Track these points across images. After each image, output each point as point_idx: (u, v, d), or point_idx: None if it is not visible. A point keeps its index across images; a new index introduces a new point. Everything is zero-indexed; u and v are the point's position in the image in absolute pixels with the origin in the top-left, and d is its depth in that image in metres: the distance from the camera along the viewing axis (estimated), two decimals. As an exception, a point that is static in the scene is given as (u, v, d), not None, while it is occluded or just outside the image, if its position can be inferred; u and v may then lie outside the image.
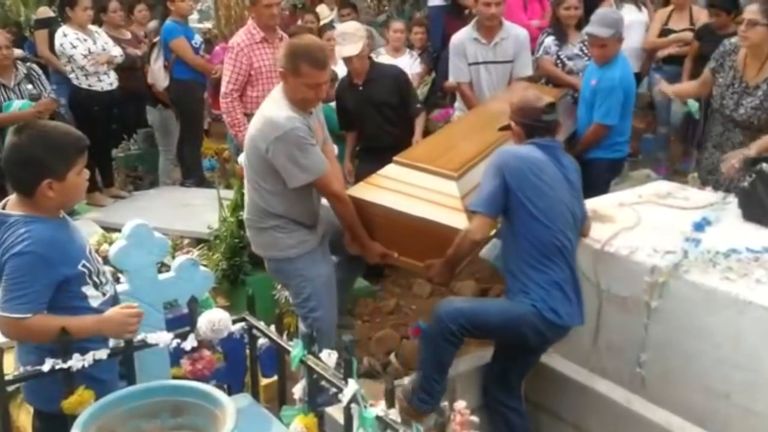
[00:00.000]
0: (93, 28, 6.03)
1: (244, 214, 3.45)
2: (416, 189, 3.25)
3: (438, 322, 2.85)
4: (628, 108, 4.50)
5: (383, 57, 6.16)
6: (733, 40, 4.15)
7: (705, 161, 4.36)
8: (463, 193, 3.19)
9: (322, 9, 7.52)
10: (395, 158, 3.45)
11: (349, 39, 4.45)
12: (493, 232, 3.11)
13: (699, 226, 3.22)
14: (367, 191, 3.34)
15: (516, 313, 2.86)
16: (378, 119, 4.62)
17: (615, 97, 4.33)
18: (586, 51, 5.00)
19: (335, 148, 3.71)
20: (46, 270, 2.22)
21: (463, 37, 4.90)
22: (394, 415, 1.82)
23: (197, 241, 4.57)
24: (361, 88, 4.59)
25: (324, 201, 3.45)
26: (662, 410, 2.94)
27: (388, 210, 3.22)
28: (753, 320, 2.73)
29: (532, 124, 3.02)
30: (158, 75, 6.28)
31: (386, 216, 3.24)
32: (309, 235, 3.34)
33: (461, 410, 1.65)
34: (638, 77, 6.29)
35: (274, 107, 3.18)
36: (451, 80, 5.09)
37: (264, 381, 3.10)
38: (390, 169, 3.40)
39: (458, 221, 3.05)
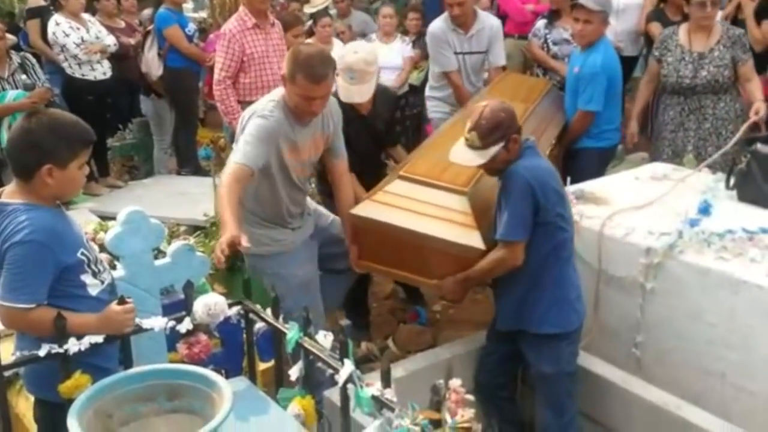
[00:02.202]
0: (86, 16, 6.01)
1: None
2: (425, 206, 3.11)
3: None
4: (615, 95, 4.45)
5: (375, 43, 6.16)
6: (666, 31, 4.62)
7: (666, 148, 4.51)
8: (473, 208, 3.07)
9: None
10: (401, 173, 3.28)
11: (359, 78, 3.51)
12: None
13: (704, 210, 3.22)
14: (374, 210, 3.16)
15: (565, 360, 2.91)
16: (375, 148, 4.00)
17: (598, 83, 4.28)
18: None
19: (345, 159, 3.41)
20: (47, 259, 2.22)
21: (442, 26, 4.78)
22: (389, 394, 1.83)
23: (194, 229, 4.58)
24: (366, 119, 3.79)
25: (334, 218, 3.41)
26: (658, 389, 2.95)
27: (397, 229, 3.07)
28: (747, 299, 2.75)
29: (520, 127, 2.87)
30: (152, 63, 6.26)
31: (394, 235, 3.09)
32: (283, 235, 3.21)
33: (456, 388, 1.66)
34: (635, 60, 6.28)
35: (266, 99, 3.12)
36: (437, 70, 4.91)
37: (262, 365, 3.10)
38: (396, 186, 3.23)
39: (470, 238, 2.97)
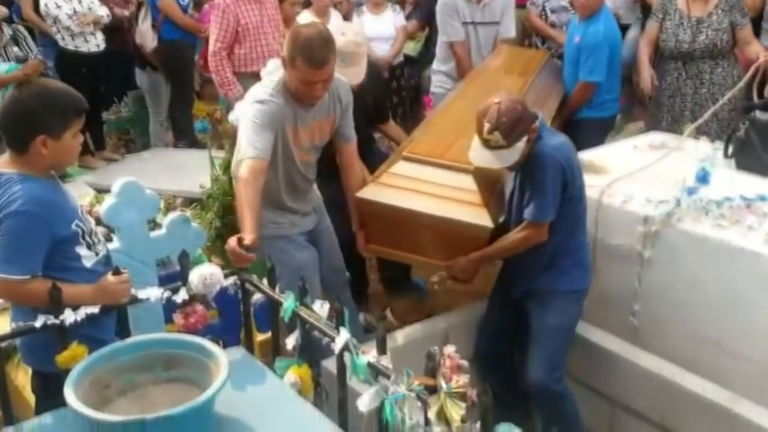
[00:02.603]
0: (78, -13, 5.93)
1: None
2: (432, 186, 3.06)
3: (541, 395, 2.95)
4: (615, 64, 4.42)
5: (365, 15, 6.08)
6: None
7: (666, 114, 4.51)
8: (479, 186, 3.04)
9: None
10: (405, 154, 3.21)
11: (351, 60, 3.42)
12: None
13: (702, 178, 3.21)
14: (380, 193, 3.10)
15: (572, 316, 2.99)
16: (365, 125, 3.80)
17: (600, 52, 4.25)
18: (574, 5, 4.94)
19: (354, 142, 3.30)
20: (42, 230, 2.22)
21: None
22: (385, 361, 1.83)
23: (190, 201, 4.56)
24: (355, 95, 3.59)
25: (333, 242, 3.32)
26: (654, 357, 2.97)
27: (404, 211, 3.01)
28: (744, 267, 2.74)
29: (535, 117, 2.81)
30: (146, 35, 6.19)
31: (402, 217, 3.03)
32: (283, 218, 3.13)
33: (451, 354, 1.66)
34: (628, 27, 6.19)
35: (265, 82, 3.02)
36: (443, 39, 4.87)
37: (260, 337, 3.11)
38: (401, 167, 3.16)
39: (479, 217, 2.95)
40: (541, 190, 2.77)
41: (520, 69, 4.31)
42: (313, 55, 2.81)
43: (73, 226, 2.31)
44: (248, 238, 2.47)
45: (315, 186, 3.35)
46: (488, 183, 3.06)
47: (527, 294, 2.99)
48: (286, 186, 3.09)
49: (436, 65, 5.01)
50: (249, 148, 2.81)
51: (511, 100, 2.75)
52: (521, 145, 2.74)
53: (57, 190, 2.36)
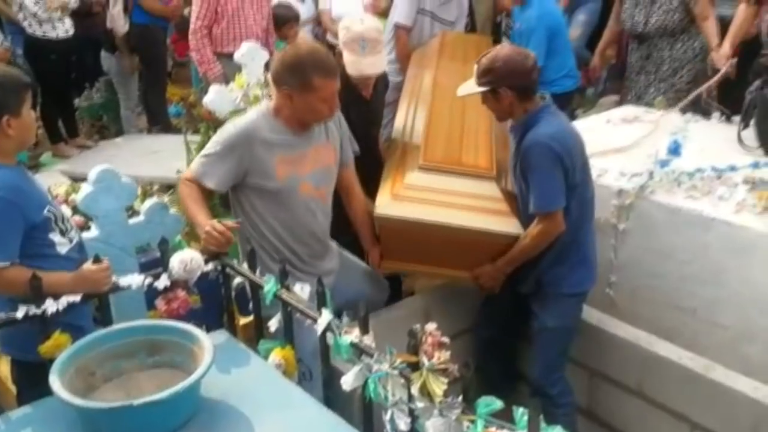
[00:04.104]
0: (45, -28, 5.83)
1: None
2: (454, 196, 2.90)
3: (538, 393, 2.92)
4: (559, 43, 4.43)
5: None
6: None
7: (633, 90, 4.59)
8: (503, 193, 2.94)
9: None
10: (421, 163, 2.98)
11: (371, 48, 3.19)
12: None
13: (674, 150, 3.26)
14: (402, 207, 2.88)
15: (572, 317, 2.95)
16: (375, 132, 3.66)
17: (535, 37, 4.28)
18: None
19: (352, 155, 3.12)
20: (16, 215, 2.24)
21: None
22: (368, 340, 1.86)
23: (167, 187, 4.54)
24: (368, 102, 3.44)
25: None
26: (631, 327, 3.03)
27: (429, 225, 2.83)
28: (716, 236, 2.80)
29: (527, 85, 2.74)
30: (117, 19, 6.12)
31: (425, 231, 2.85)
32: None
33: (432, 332, 1.68)
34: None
35: (253, 112, 2.82)
36: (396, 20, 4.67)
37: (243, 320, 3.12)
38: (418, 178, 2.95)
39: (509, 225, 2.85)
40: (540, 179, 2.70)
41: (475, 57, 4.25)
42: (327, 65, 2.67)
43: (45, 212, 2.34)
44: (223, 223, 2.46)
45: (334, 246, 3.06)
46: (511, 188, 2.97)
47: (533, 292, 2.94)
48: (294, 235, 2.83)
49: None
50: (200, 168, 2.72)
51: (503, 53, 2.76)
52: (482, 90, 2.76)
53: (25, 177, 2.40)
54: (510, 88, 2.72)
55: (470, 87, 2.83)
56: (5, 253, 2.22)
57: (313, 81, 2.63)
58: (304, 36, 5.69)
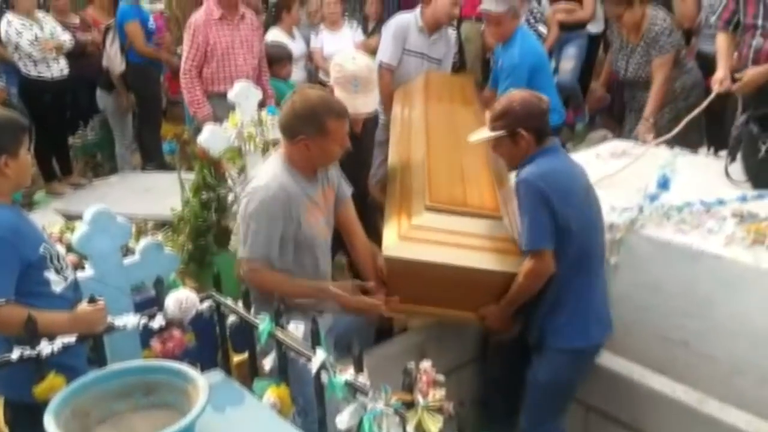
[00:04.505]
0: (40, 14, 5.91)
1: None
2: (462, 237, 2.88)
3: None
4: (541, 80, 4.38)
5: (323, 33, 6.13)
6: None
7: (628, 126, 4.72)
8: (510, 232, 2.94)
9: None
10: (428, 204, 2.97)
11: (364, 86, 3.22)
12: None
13: (663, 184, 3.30)
14: (411, 249, 2.86)
15: (565, 375, 2.86)
16: (364, 172, 3.70)
17: (516, 75, 4.28)
18: (531, 23, 5.09)
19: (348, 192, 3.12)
20: (12, 253, 2.27)
21: (409, 21, 4.68)
22: (362, 379, 1.86)
23: (161, 225, 4.55)
24: (359, 140, 3.37)
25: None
26: (623, 359, 3.04)
27: (440, 266, 2.81)
28: (706, 269, 2.83)
29: (540, 126, 2.77)
30: (114, 59, 6.20)
31: (435, 272, 2.83)
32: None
33: (427, 369, 1.70)
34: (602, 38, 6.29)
35: (267, 166, 2.83)
36: (380, 59, 4.68)
37: (237, 358, 3.12)
38: (425, 218, 2.93)
39: (515, 264, 2.82)
40: (526, 217, 2.71)
41: (461, 97, 4.24)
42: (338, 107, 2.76)
43: (41, 250, 2.37)
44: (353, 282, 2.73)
45: None
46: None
47: (535, 343, 2.91)
48: (316, 276, 2.88)
49: None
50: (261, 249, 2.70)
51: (519, 97, 2.81)
52: (497, 135, 2.79)
53: (21, 216, 2.45)
54: (527, 130, 2.75)
55: (484, 133, 2.86)
56: (1, 291, 2.23)
57: (328, 125, 2.70)
58: (299, 77, 5.78)
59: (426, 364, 1.72)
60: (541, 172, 2.71)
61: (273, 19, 6.56)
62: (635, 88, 4.62)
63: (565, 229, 2.71)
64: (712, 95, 3.93)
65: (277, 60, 5.31)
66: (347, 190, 3.09)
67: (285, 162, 2.80)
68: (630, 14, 4.36)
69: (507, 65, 4.34)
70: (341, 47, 6.01)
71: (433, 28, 4.68)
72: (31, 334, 2.13)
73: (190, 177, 4.47)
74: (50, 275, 2.39)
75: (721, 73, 4.01)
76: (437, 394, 1.66)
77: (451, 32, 4.98)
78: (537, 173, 2.71)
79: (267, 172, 2.79)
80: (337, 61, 3.37)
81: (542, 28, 5.31)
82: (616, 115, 5.49)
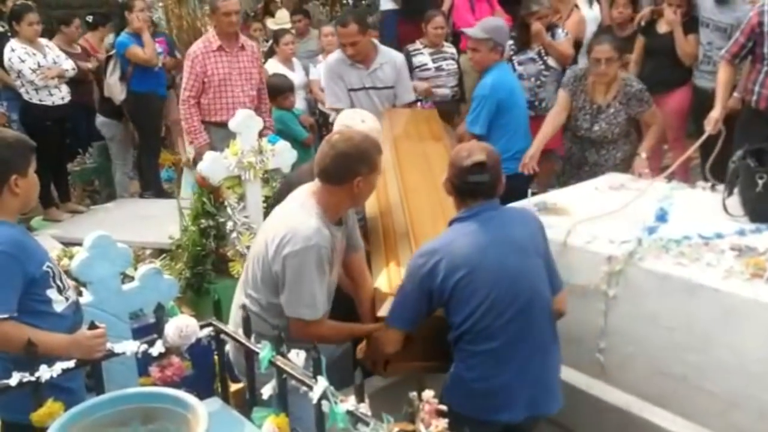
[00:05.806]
0: (43, 41, 5.96)
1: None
2: None
3: None
4: (507, 121, 4.33)
5: (321, 64, 6.18)
6: (581, 66, 4.61)
7: (566, 176, 4.57)
8: None
9: (282, 14, 7.60)
10: (414, 250, 2.88)
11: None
12: None
13: (661, 217, 3.32)
14: None
15: None
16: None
17: (483, 105, 4.25)
18: (542, 55, 5.09)
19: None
20: (15, 269, 2.29)
21: (339, 59, 4.62)
22: (364, 408, 1.86)
23: (159, 252, 4.56)
24: None
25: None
26: (621, 392, 3.03)
27: (439, 318, 2.73)
28: (704, 302, 2.83)
29: (459, 185, 2.67)
30: (114, 88, 6.25)
31: (433, 325, 2.77)
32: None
33: (429, 399, 1.69)
34: None
35: (303, 213, 2.64)
36: (329, 104, 4.74)
37: (234, 386, 3.10)
38: None
39: None
40: (402, 290, 2.71)
41: (429, 133, 4.18)
42: (378, 142, 2.76)
43: (45, 267, 2.39)
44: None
45: None
46: None
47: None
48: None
49: None
50: (305, 308, 2.62)
51: (464, 149, 2.70)
52: (446, 185, 2.75)
53: (26, 234, 2.51)
54: (448, 180, 2.70)
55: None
56: (4, 306, 2.24)
57: (377, 160, 2.68)
58: (299, 107, 5.78)
59: (428, 394, 1.71)
60: (431, 247, 2.63)
61: (269, 50, 6.67)
62: (597, 146, 4.40)
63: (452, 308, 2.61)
64: (705, 135, 3.98)
65: (280, 91, 5.37)
66: (361, 240, 3.01)
67: (318, 209, 2.66)
68: (611, 68, 4.22)
69: (477, 93, 4.34)
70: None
71: (366, 60, 4.57)
72: (32, 357, 2.12)
73: (188, 204, 4.49)
74: (52, 294, 2.41)
75: (716, 113, 4.06)
76: (440, 425, 1.65)
77: (397, 56, 4.77)
78: (425, 248, 2.65)
79: (307, 225, 2.60)
80: (344, 122, 3.25)
81: (552, 62, 5.24)
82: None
